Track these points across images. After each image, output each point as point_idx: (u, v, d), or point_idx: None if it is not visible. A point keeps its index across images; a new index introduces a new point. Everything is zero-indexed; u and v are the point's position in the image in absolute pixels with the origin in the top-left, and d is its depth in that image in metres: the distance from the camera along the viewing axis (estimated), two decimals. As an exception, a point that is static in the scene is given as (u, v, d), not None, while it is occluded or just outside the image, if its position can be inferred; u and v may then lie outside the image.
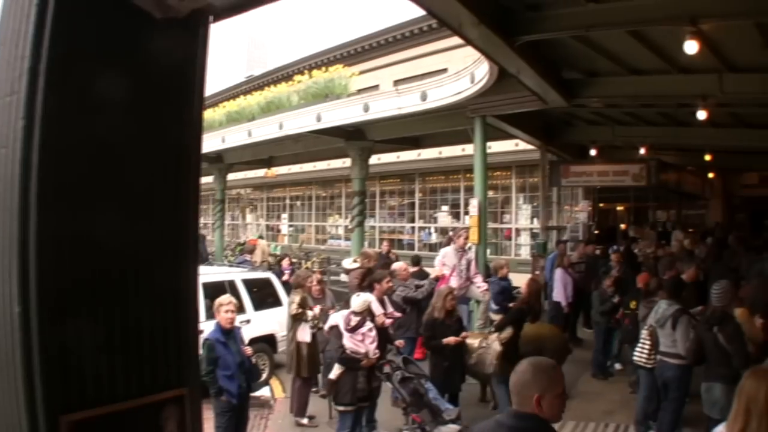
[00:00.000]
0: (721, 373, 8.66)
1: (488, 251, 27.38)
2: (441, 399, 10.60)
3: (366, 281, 12.13)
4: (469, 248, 15.64)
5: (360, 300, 10.51)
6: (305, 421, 12.12)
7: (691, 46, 10.91)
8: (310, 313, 12.13)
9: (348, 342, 10.17)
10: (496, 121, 18.32)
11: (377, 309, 11.17)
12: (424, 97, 18.58)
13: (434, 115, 19.45)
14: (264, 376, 14.69)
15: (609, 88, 15.91)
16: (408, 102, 19.21)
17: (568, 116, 21.05)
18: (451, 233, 18.81)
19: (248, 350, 10.16)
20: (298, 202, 44.37)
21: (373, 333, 10.38)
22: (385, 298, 12.10)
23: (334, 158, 29.77)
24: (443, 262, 14.87)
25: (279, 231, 46.23)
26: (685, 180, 28.41)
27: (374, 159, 27.92)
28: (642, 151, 22.98)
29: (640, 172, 22.55)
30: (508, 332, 11.81)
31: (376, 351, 10.35)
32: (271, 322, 14.35)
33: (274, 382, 14.85)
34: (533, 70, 13.67)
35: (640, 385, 11.29)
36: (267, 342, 14.81)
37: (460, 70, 17.66)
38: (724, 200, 34.83)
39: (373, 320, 10.66)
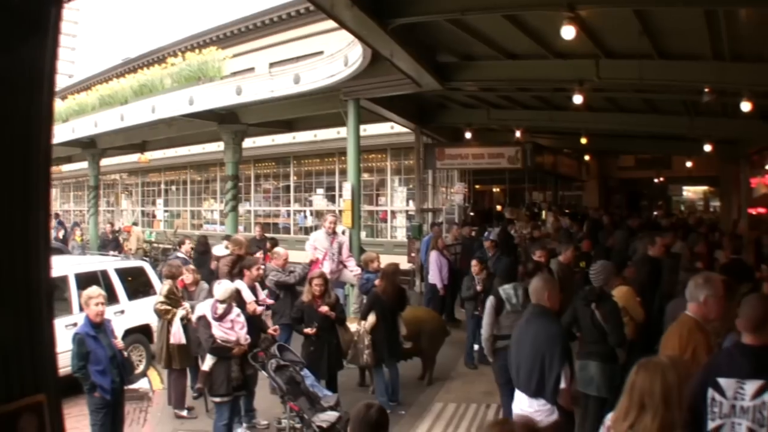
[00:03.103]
0: (596, 351, 8.81)
1: (364, 234, 27.46)
2: (319, 386, 10.52)
3: (236, 268, 11.89)
4: (344, 232, 15.60)
5: (222, 287, 10.38)
6: (184, 413, 11.93)
7: (568, 32, 11.02)
8: (181, 312, 11.72)
9: (217, 331, 10.01)
10: (370, 104, 18.35)
11: (248, 296, 11.09)
12: (297, 80, 18.38)
13: (308, 98, 19.32)
14: (141, 368, 14.42)
15: (485, 72, 16.07)
16: (281, 85, 18.99)
17: (444, 99, 21.19)
18: (308, 215, 18.72)
19: (119, 343, 9.80)
20: (174, 187, 43.60)
21: (242, 319, 10.29)
22: (257, 284, 11.96)
23: (209, 142, 29.26)
24: (314, 246, 14.75)
25: (155, 217, 45.39)
26: (561, 162, 29.03)
27: (249, 142, 27.68)
28: (518, 134, 23.25)
29: (515, 154, 22.82)
30: (371, 320, 11.90)
31: (247, 337, 10.25)
32: (147, 312, 13.76)
33: (152, 374, 14.52)
34: (407, 54, 13.69)
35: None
36: (143, 333, 14.49)
37: (334, 53, 17.59)
38: (601, 182, 35.82)
39: (242, 307, 10.57)
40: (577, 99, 15.15)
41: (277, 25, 33.59)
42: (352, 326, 12.19)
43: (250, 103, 20.65)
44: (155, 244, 33.99)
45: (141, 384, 13.88)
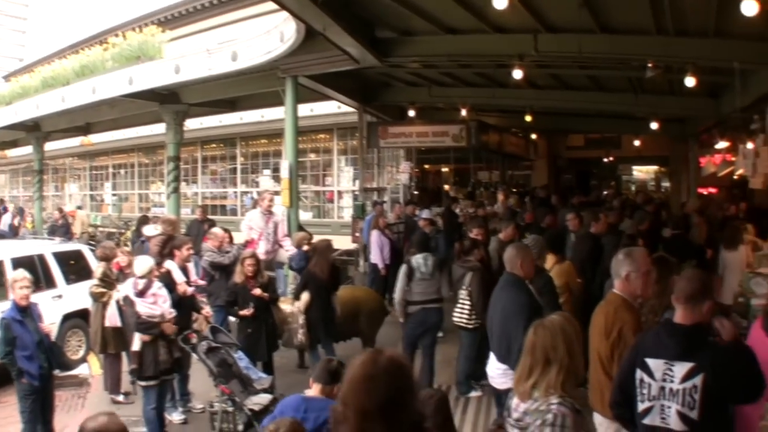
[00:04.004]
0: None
1: (310, 215, 27.27)
2: (253, 368, 10.35)
3: (167, 248, 11.66)
4: (284, 213, 15.47)
5: (140, 263, 10.18)
6: (120, 398, 11.72)
7: (500, 2, 10.91)
8: (116, 295, 11.42)
9: (141, 307, 9.75)
10: (309, 81, 18.09)
11: (179, 277, 10.88)
12: (234, 58, 18.10)
13: (247, 76, 19.13)
14: (81, 353, 14.18)
15: (424, 48, 15.90)
16: (219, 62, 18.69)
17: (386, 77, 21.07)
18: (255, 196, 18.57)
19: (46, 328, 9.59)
20: (122, 171, 43.10)
21: (164, 292, 10.04)
22: (189, 265, 11.73)
23: (152, 123, 28.83)
24: (250, 226, 14.58)
25: (102, 200, 44.90)
26: (507, 141, 28.87)
27: (196, 124, 27.52)
28: (464, 112, 23.03)
29: (459, 132, 22.73)
30: (305, 298, 11.77)
31: (171, 311, 10.02)
32: (85, 296, 13.33)
33: (92, 359, 14.19)
34: (341, 28, 13.52)
35: (462, 345, 11.37)
36: (82, 317, 14.00)
37: (270, 29, 17.28)
38: (550, 162, 35.87)
39: (173, 287, 10.44)
40: (517, 74, 14.92)
41: (218, 7, 33.10)
42: (287, 306, 12.07)
43: (190, 82, 20.38)
44: (101, 228, 33.52)
45: (81, 370, 13.66)
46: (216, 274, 13.07)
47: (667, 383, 4.96)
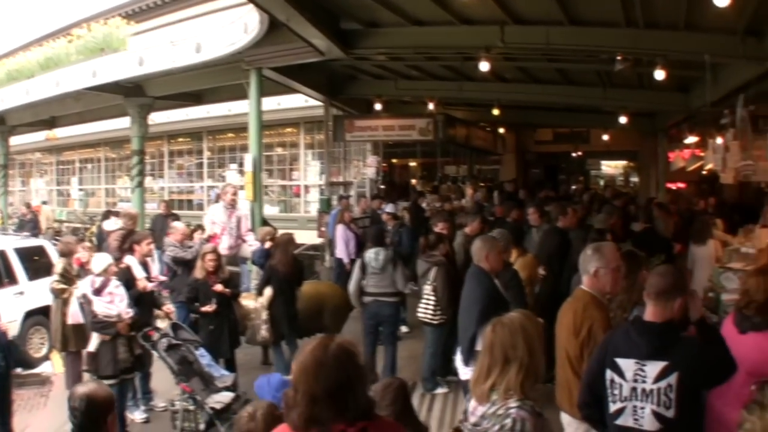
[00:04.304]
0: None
1: (277, 209, 27.12)
2: (215, 365, 10.16)
3: (126, 243, 11.47)
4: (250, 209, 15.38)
5: (98, 260, 10.01)
6: (81, 396, 11.49)
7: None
8: (76, 291, 11.05)
9: (98, 306, 9.55)
10: (275, 74, 17.90)
11: (139, 273, 10.69)
12: (198, 49, 17.90)
13: (212, 68, 18.89)
14: (44, 351, 14.02)
15: (390, 40, 15.81)
16: (183, 54, 18.50)
17: (353, 70, 20.98)
18: (218, 190, 18.43)
19: (3, 326, 9.38)
20: (89, 165, 42.59)
21: (121, 291, 9.82)
22: (149, 260, 11.53)
23: (117, 117, 28.49)
24: (213, 221, 14.43)
25: (69, 195, 44.45)
26: (475, 135, 28.70)
27: (163, 117, 27.26)
28: (431, 106, 22.96)
29: (426, 126, 22.50)
30: (268, 294, 11.64)
31: (128, 311, 9.80)
32: (48, 293, 13.36)
33: (55, 357, 13.96)
34: (305, 19, 13.39)
35: (426, 341, 11.34)
36: (44, 314, 13.64)
37: (234, 20, 17.08)
38: (518, 156, 35.89)
39: (132, 284, 10.29)
40: (484, 66, 14.88)
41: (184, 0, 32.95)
42: (250, 302, 11.94)
43: (154, 75, 20.15)
44: (66, 224, 33.20)
45: (44, 368, 13.51)
46: (179, 269, 12.85)
47: (639, 384, 4.86)
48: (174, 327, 10.32)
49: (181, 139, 35.48)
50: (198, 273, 11.10)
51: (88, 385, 4.86)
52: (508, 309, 8.40)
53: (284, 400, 3.68)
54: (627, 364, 4.92)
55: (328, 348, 3.55)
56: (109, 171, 40.59)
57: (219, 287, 10.94)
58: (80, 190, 43.11)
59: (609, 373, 5.01)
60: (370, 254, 11.51)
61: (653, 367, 4.79)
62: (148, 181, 31.52)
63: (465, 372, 7.94)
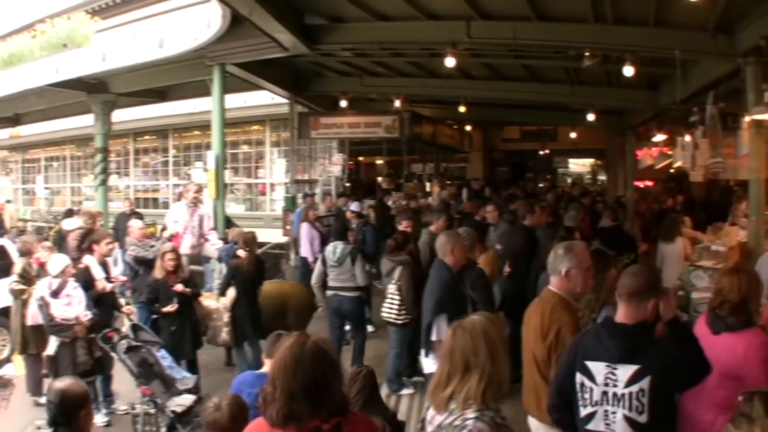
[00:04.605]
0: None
1: (242, 207, 26.97)
2: (177, 367, 10.01)
3: (86, 242, 11.30)
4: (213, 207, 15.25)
5: (55, 261, 9.91)
6: (43, 400, 11.25)
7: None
8: (35, 292, 10.85)
9: (55, 309, 9.47)
10: (238, 70, 17.72)
11: (98, 273, 10.55)
12: (161, 45, 17.61)
13: (175, 64, 18.77)
14: (5, 353, 13.70)
15: (355, 35, 15.67)
16: (146, 50, 18.23)
17: (318, 66, 20.85)
18: (181, 188, 18.27)
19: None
20: (54, 163, 42.22)
21: (79, 293, 9.76)
22: (109, 260, 11.39)
23: (81, 114, 28.20)
24: (175, 220, 14.28)
25: (35, 194, 44.09)
26: (441, 133, 28.74)
27: (129, 115, 26.99)
28: (397, 103, 22.90)
29: (392, 123, 22.53)
30: (231, 295, 11.61)
31: (86, 313, 9.72)
32: (9, 293, 13.15)
33: (17, 359, 13.79)
34: (267, 12, 13.21)
35: (391, 341, 11.32)
36: (5, 315, 13.20)
37: (198, 16, 16.90)
38: (485, 154, 36.03)
39: (91, 284, 10.11)
40: (450, 62, 14.74)
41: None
42: (212, 302, 11.82)
43: (117, 71, 19.95)
44: (30, 223, 32.91)
45: (5, 370, 13.26)
46: (140, 269, 12.68)
47: (610, 387, 4.78)
48: (134, 328, 10.18)
49: (146, 137, 35.13)
50: (158, 273, 10.94)
51: (65, 380, 5.24)
52: (466, 304, 8.44)
53: (261, 395, 3.82)
54: (597, 368, 4.84)
55: (305, 345, 3.73)
56: (75, 169, 40.19)
57: (179, 287, 10.80)
58: (46, 188, 42.72)
59: (579, 377, 4.93)
60: (329, 248, 11.81)
61: (625, 371, 4.72)
62: (114, 180, 31.26)
63: (428, 364, 7.93)
